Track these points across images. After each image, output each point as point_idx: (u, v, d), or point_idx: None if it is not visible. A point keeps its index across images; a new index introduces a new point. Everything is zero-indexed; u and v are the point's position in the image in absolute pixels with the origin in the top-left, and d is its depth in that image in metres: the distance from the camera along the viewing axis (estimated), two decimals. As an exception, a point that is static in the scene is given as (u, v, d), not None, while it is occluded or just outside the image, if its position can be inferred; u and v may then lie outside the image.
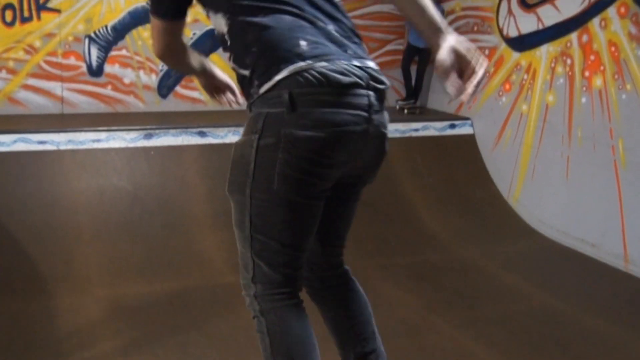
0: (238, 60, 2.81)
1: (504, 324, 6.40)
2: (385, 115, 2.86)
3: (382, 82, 2.79)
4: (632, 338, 6.16)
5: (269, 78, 2.67)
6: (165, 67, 9.75)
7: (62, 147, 8.17)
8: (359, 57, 2.76)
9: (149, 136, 8.52)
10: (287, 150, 2.63)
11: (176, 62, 3.31)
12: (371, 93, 2.69)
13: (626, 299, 7.17)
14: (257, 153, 2.70)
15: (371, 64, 2.80)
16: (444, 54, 2.46)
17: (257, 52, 2.68)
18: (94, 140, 8.30)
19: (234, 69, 2.90)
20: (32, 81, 9.17)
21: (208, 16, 2.92)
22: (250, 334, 6.09)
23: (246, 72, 2.79)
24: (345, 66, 2.63)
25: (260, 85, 2.73)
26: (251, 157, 2.73)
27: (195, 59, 3.35)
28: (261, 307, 2.93)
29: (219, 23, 2.80)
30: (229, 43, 2.80)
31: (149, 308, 6.49)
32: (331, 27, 2.75)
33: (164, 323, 6.19)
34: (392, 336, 6.16)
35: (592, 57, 8.38)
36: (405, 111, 10.62)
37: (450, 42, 2.49)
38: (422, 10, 2.57)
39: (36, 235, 7.42)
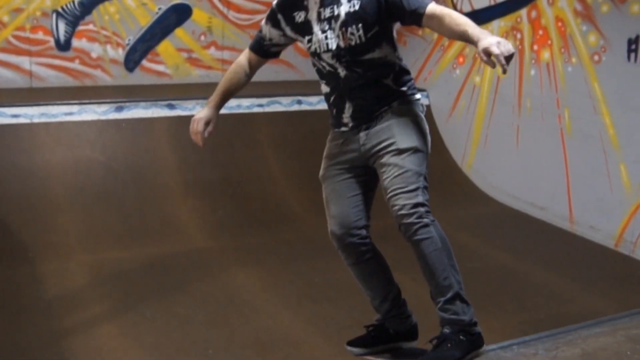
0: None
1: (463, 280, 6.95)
2: None
3: None
4: (578, 290, 6.79)
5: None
6: (132, 41, 9.99)
7: (36, 120, 8.41)
8: None
9: (119, 109, 8.81)
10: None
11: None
12: None
13: (572, 256, 7.79)
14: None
15: None
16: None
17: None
18: (66, 114, 8.55)
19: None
20: (0, 55, 9.33)
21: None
22: (228, 293, 6.58)
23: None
24: None
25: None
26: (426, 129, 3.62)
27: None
28: (430, 220, 3.48)
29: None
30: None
31: (131, 272, 6.88)
32: None
33: (147, 286, 6.59)
34: (360, 292, 6.67)
35: (540, 32, 8.91)
36: None
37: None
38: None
39: (15, 205, 7.70)
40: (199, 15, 10.38)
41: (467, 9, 10.00)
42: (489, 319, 6.12)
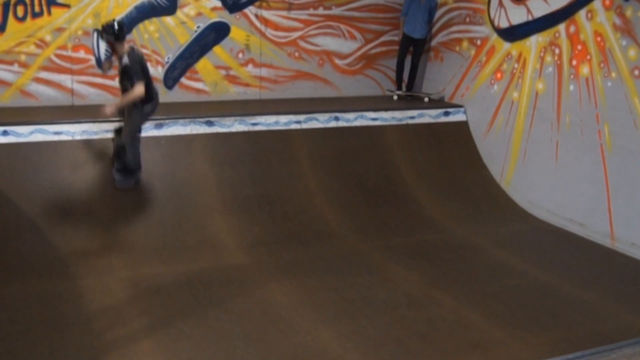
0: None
1: (500, 297, 6.90)
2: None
3: None
4: (618, 308, 6.67)
5: None
6: (171, 59, 10.13)
7: (77, 137, 8.56)
8: None
9: (159, 126, 8.92)
10: None
11: None
12: None
13: (613, 273, 7.67)
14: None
15: None
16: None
17: None
18: (107, 131, 8.69)
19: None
20: (43, 74, 9.55)
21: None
22: (265, 309, 6.60)
23: None
24: None
25: None
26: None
27: None
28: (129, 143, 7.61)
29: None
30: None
31: (170, 288, 6.92)
32: None
33: (185, 301, 6.63)
34: (399, 308, 6.68)
35: (579, 47, 8.84)
36: (395, 97, 11.16)
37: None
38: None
39: (56, 221, 7.83)
40: (237, 33, 10.50)
41: (505, 24, 9.97)
42: (528, 336, 6.09)
